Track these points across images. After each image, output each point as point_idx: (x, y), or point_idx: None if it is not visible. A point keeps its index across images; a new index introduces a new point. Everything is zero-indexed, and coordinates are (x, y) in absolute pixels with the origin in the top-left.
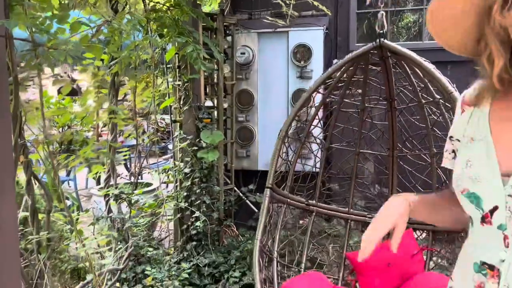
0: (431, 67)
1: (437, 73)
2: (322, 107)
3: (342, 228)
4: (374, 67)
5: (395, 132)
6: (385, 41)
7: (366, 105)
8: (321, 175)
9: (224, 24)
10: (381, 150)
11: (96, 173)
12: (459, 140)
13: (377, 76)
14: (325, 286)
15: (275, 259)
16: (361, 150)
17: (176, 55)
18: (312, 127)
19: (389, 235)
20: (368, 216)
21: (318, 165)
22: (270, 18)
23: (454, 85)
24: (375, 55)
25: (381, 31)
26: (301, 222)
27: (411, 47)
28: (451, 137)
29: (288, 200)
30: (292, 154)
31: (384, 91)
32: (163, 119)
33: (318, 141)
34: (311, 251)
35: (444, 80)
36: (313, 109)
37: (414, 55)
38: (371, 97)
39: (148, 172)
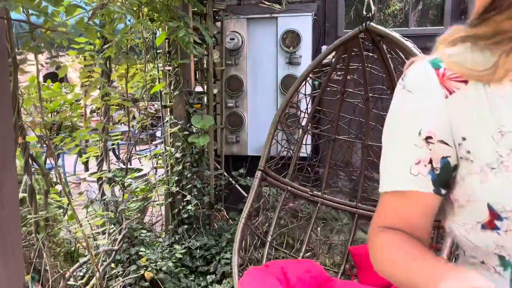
0: (417, 51)
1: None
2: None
3: (348, 221)
4: (371, 54)
5: None
6: (372, 24)
7: (370, 95)
8: (328, 166)
9: (214, 9)
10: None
11: (88, 158)
12: (446, 142)
13: (378, 64)
14: (317, 272)
15: (268, 242)
16: (369, 143)
17: (167, 40)
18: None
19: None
20: None
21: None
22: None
23: None
24: (367, 40)
25: (368, 15)
26: (290, 204)
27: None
28: (428, 137)
29: (289, 187)
30: (293, 142)
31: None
32: (153, 105)
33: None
34: (312, 242)
35: None
36: (310, 97)
37: (400, 37)
38: (375, 87)
39: (138, 158)
